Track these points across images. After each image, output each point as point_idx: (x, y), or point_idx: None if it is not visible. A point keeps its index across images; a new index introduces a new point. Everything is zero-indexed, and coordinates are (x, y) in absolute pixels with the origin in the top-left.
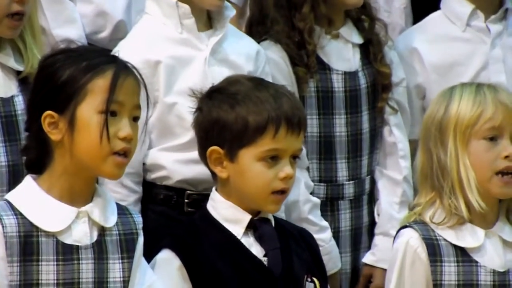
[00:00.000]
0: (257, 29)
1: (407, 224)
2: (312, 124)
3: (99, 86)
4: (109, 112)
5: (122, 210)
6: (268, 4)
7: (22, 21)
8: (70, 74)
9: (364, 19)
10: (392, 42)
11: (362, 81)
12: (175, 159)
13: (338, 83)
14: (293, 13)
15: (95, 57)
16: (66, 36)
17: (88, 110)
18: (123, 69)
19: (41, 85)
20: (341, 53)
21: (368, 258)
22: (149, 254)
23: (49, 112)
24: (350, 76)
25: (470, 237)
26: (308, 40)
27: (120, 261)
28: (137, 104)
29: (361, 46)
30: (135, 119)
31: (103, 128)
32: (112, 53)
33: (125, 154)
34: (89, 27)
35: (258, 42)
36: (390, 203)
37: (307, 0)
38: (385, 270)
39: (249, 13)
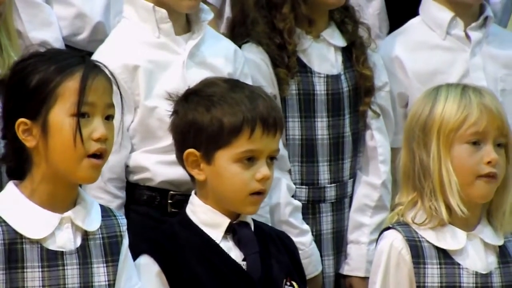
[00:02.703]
0: (239, 30)
1: (390, 226)
2: (294, 127)
3: (68, 89)
4: (80, 114)
5: (106, 213)
6: (249, 5)
7: None
8: (40, 79)
9: (347, 22)
10: (376, 45)
11: (345, 85)
12: (158, 160)
13: (320, 86)
14: (274, 13)
15: (63, 59)
16: (42, 39)
17: (60, 114)
18: (92, 69)
19: (12, 92)
20: (324, 56)
21: (343, 268)
22: (132, 256)
23: (22, 119)
24: (332, 79)
25: (451, 239)
26: (288, 40)
27: (105, 264)
28: (110, 103)
29: (343, 49)
30: (109, 117)
31: (75, 130)
32: (92, 57)
33: (101, 155)
34: (67, 29)
35: (240, 45)
36: (362, 209)
37: (287, 0)
38: (361, 278)
39: (230, 15)
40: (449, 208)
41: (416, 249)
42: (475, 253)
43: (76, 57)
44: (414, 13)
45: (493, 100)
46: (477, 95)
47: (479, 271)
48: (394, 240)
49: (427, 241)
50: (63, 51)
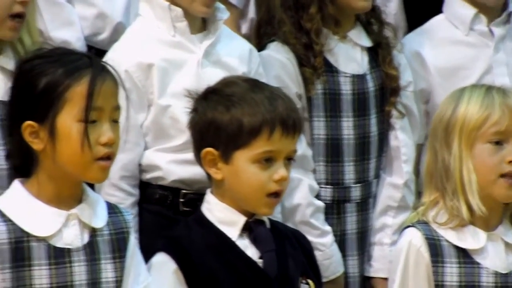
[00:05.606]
0: (265, 30)
1: (410, 224)
2: (320, 126)
3: (76, 94)
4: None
5: (112, 209)
6: (276, 5)
7: (22, 23)
8: (47, 82)
9: (373, 23)
10: (401, 46)
11: (370, 84)
12: (170, 159)
13: (346, 85)
14: (300, 13)
15: (71, 61)
16: (64, 38)
17: (68, 119)
18: (99, 73)
19: (20, 93)
20: (350, 56)
21: (366, 270)
22: (146, 255)
23: (29, 122)
24: (358, 79)
25: (471, 239)
26: (315, 40)
27: (112, 261)
28: (116, 105)
29: (369, 50)
30: (116, 120)
31: (83, 137)
32: (105, 56)
33: (109, 157)
34: (88, 29)
35: (266, 44)
36: (385, 209)
37: (314, 0)
38: (385, 279)
39: (254, 16)
40: (470, 208)
41: (435, 247)
42: (495, 253)
43: (83, 59)
44: (435, 12)
45: None
46: (501, 95)
47: (499, 270)
48: (413, 238)
49: (446, 240)
50: (70, 51)
